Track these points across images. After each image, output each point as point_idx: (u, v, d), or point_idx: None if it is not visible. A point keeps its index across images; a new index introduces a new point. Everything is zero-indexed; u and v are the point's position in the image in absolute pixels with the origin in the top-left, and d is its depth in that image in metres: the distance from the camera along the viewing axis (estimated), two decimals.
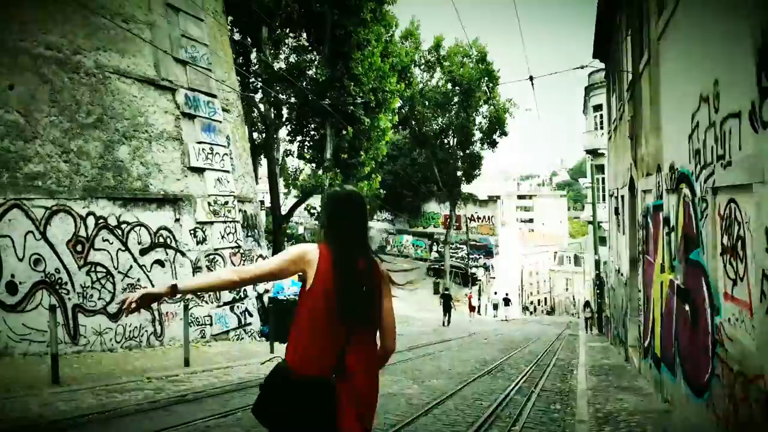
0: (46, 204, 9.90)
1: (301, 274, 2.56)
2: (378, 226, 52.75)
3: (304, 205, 26.73)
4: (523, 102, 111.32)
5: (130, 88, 12.25)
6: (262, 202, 25.10)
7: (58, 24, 10.73)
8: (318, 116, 22.36)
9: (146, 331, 11.52)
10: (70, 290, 10.10)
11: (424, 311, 32.28)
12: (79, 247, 10.39)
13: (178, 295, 2.66)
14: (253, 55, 24.66)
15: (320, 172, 23.01)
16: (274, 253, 27.13)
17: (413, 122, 37.48)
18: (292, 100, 23.27)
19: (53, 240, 9.93)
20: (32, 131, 9.95)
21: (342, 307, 2.46)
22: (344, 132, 21.58)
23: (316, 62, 23.51)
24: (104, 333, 10.58)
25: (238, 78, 25.70)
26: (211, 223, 13.55)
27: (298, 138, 25.05)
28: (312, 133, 24.38)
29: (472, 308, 34.71)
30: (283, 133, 29.17)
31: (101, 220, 10.92)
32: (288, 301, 14.09)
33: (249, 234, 15.72)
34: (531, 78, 14.44)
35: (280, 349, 12.94)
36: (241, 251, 14.28)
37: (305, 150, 24.27)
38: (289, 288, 14.86)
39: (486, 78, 36.98)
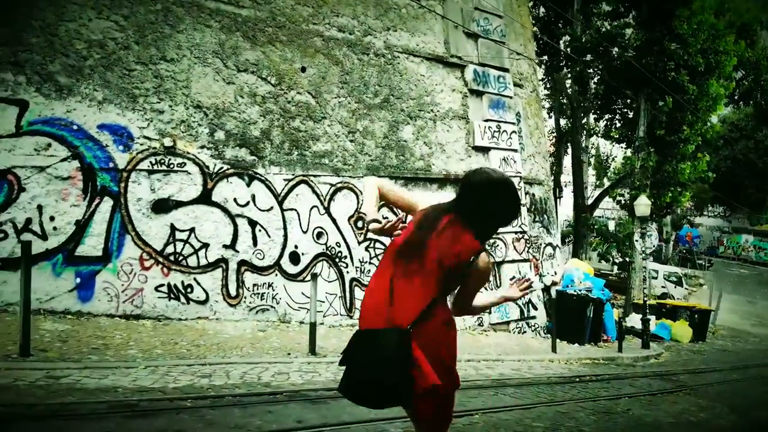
0: (331, 181, 10.24)
1: None
2: (708, 222, 45.07)
3: (608, 194, 23.91)
4: None
5: (419, 67, 12.04)
6: (558, 189, 23.10)
7: (350, 6, 11.01)
8: (629, 87, 19.41)
9: None
10: (349, 264, 10.29)
11: (763, 326, 26.04)
12: (359, 224, 10.53)
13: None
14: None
15: (630, 153, 20.03)
16: (575, 245, 24.96)
17: (758, 95, 30.42)
18: (600, 66, 20.76)
19: (336, 215, 10.22)
20: (322, 111, 10.37)
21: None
22: (661, 103, 18.24)
23: (631, 27, 20.51)
24: None
25: (545, 58, 24.31)
26: None
27: (606, 116, 22.33)
28: (623, 110, 21.43)
29: None
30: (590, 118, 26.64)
31: None
32: (577, 297, 12.31)
33: (537, 219, 14.32)
34: None
35: (564, 347, 11.36)
36: (526, 237, 13.00)
37: (613, 129, 21.45)
38: (581, 282, 13.02)
39: None
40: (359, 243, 10.50)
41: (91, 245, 7.70)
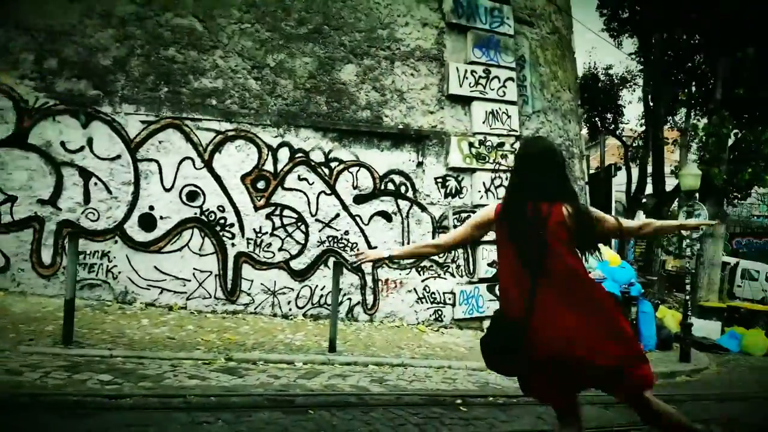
0: (218, 127, 8.07)
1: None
2: None
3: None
4: None
5: None
6: (611, 168, 19.08)
7: None
8: (702, 34, 15.39)
9: (349, 299, 8.76)
10: (236, 234, 8.09)
11: None
12: (260, 184, 8.29)
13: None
14: None
15: (703, 119, 16.02)
16: None
17: None
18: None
19: (221, 171, 8.05)
20: (212, 40, 8.21)
21: (518, 256, 2.75)
22: (740, 54, 14.15)
23: None
24: (280, 293, 8.28)
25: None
26: (472, 170, 9.86)
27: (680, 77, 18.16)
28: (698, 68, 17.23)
29: None
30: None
31: (300, 154, 8.60)
32: None
33: None
34: None
35: None
36: None
37: (682, 91, 17.35)
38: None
39: None
40: (257, 209, 8.26)
41: None
